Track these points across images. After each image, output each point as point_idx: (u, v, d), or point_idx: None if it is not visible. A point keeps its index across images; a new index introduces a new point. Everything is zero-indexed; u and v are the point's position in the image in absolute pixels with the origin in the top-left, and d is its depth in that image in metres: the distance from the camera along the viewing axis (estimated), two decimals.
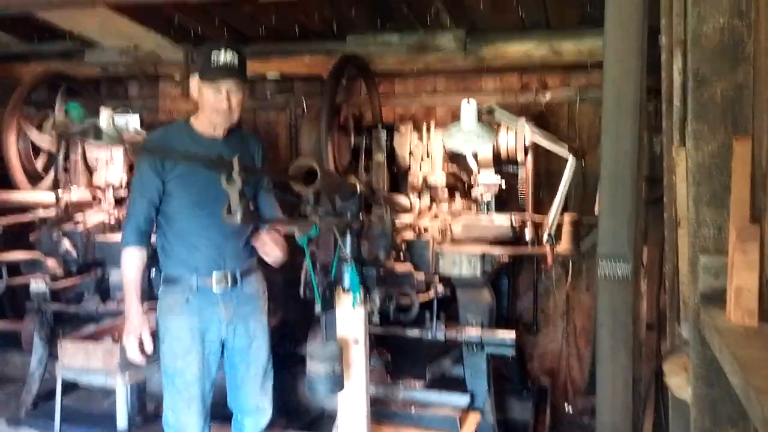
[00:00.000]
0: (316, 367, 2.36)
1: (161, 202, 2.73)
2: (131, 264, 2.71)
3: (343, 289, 2.56)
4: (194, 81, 2.70)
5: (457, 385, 3.49)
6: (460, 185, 4.01)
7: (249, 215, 1.88)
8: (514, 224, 3.48)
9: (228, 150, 2.59)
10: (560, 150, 3.36)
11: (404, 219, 3.48)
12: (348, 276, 2.53)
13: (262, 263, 2.97)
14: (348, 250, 2.54)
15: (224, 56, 2.61)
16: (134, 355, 2.73)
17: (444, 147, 3.83)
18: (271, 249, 2.92)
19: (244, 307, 2.82)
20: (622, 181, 1.52)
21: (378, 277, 2.63)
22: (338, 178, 2.43)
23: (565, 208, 3.53)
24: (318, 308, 2.45)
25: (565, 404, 4.62)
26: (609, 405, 1.60)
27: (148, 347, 2.74)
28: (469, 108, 3.29)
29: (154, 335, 2.82)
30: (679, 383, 1.74)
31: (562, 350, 4.66)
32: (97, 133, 3.25)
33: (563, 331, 4.64)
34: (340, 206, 2.62)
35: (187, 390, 2.74)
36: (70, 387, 3.79)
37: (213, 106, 2.67)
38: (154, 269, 2.84)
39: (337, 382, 2.40)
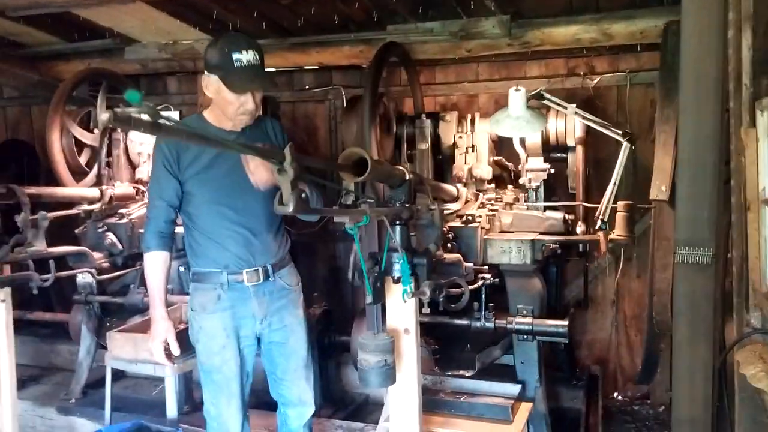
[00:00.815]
0: (368, 358, 2.31)
1: (182, 201, 2.64)
2: (154, 268, 2.63)
3: (393, 279, 2.51)
4: (211, 79, 2.51)
5: (506, 373, 3.43)
6: (506, 174, 3.93)
7: (301, 205, 1.84)
8: (567, 219, 3.39)
9: (250, 141, 2.51)
10: (613, 134, 3.25)
11: (451, 207, 3.42)
12: (399, 266, 2.47)
13: (301, 254, 2.90)
14: (398, 239, 2.48)
15: (247, 56, 2.43)
16: (161, 359, 2.68)
17: (489, 137, 3.76)
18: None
19: (278, 302, 2.75)
20: (703, 164, 1.44)
21: (428, 267, 2.56)
22: (387, 165, 2.37)
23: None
24: (369, 299, 2.39)
25: (615, 392, 4.54)
26: (687, 399, 1.53)
27: (175, 350, 2.66)
28: (517, 95, 3.21)
29: (183, 334, 2.78)
30: (756, 373, 1.65)
31: (612, 338, 4.57)
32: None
33: (613, 320, 4.54)
34: (389, 195, 2.58)
35: (227, 386, 2.70)
36: (118, 375, 3.85)
37: (238, 109, 2.53)
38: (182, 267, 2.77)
39: (390, 374, 2.35)
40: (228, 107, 2.54)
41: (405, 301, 2.40)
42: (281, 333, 2.78)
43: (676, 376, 1.57)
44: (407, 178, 2.51)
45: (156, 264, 2.63)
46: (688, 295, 1.50)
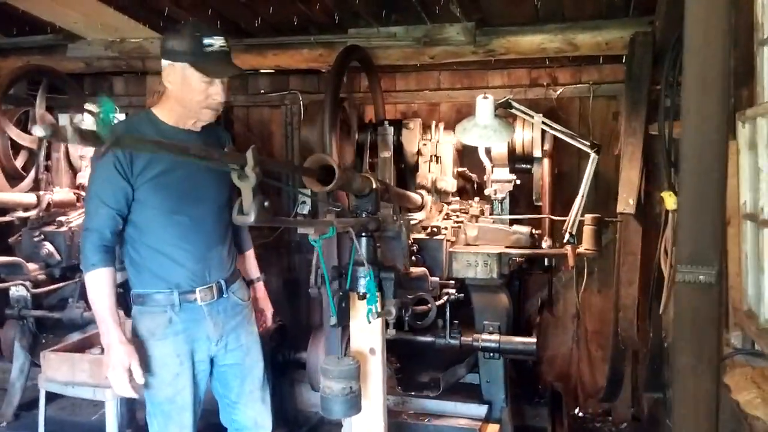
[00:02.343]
0: (332, 385, 2.13)
1: (130, 210, 2.32)
2: (101, 288, 2.26)
3: (358, 296, 2.35)
4: (175, 68, 2.27)
5: (468, 390, 3.31)
6: (469, 186, 3.83)
7: (264, 214, 1.65)
8: (533, 234, 3.30)
9: (205, 144, 2.31)
10: (581, 146, 3.18)
11: (416, 216, 3.28)
12: (365, 282, 2.31)
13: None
14: (364, 252, 2.33)
15: (218, 41, 2.25)
16: (126, 391, 2.27)
17: (454, 147, 3.65)
18: (265, 302, 2.82)
19: (233, 320, 2.53)
20: (707, 174, 1.34)
21: (395, 283, 2.41)
22: (354, 174, 2.21)
23: None
24: (333, 320, 2.21)
25: (576, 409, 4.48)
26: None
27: (139, 379, 2.28)
28: (485, 104, 3.10)
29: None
30: (752, 400, 1.55)
31: (573, 354, 4.51)
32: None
33: (574, 335, 4.49)
34: (354, 204, 2.42)
35: (179, 417, 2.41)
36: (54, 395, 3.57)
37: (204, 101, 2.30)
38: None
39: (355, 403, 2.17)
40: (193, 99, 2.30)
41: (370, 322, 2.23)
42: (237, 353, 2.56)
43: (678, 409, 1.45)
44: (374, 187, 2.36)
45: (102, 283, 2.26)
46: (691, 318, 1.40)
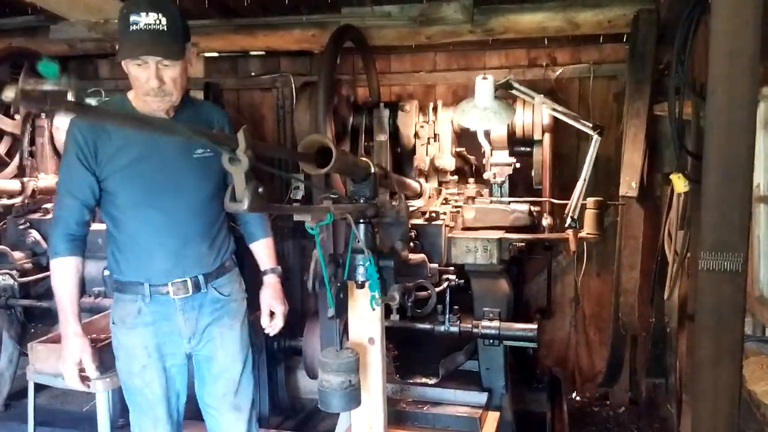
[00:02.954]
0: (330, 379, 2.05)
1: (102, 201, 2.22)
2: (63, 277, 2.19)
3: (357, 285, 2.26)
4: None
5: (468, 379, 3.24)
6: (467, 168, 3.74)
7: (258, 201, 1.55)
8: (532, 212, 3.23)
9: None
10: (583, 127, 3.09)
11: (414, 203, 3.20)
12: (364, 270, 2.22)
13: (247, 252, 2.58)
14: (363, 239, 2.24)
15: (146, 18, 1.99)
16: (74, 383, 2.24)
17: (452, 128, 3.55)
18: (275, 299, 2.53)
19: (210, 316, 2.37)
20: (736, 156, 1.26)
21: (395, 270, 2.33)
22: (352, 157, 2.11)
23: None
24: (330, 312, 2.12)
25: (573, 393, 4.44)
26: (709, 425, 1.35)
27: (91, 373, 2.25)
28: (485, 84, 3.00)
29: (103, 351, 2.41)
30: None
31: (570, 338, 4.46)
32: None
33: (571, 319, 4.44)
34: (352, 190, 2.33)
35: (151, 409, 2.33)
36: (45, 385, 3.50)
37: (141, 87, 2.10)
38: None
39: (354, 396, 2.09)
40: (134, 83, 2.12)
41: (374, 309, 2.15)
42: (210, 346, 2.39)
43: (697, 400, 1.39)
44: (372, 171, 2.27)
45: (65, 272, 2.19)
46: (714, 307, 1.33)
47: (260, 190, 1.51)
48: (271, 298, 2.55)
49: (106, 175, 2.17)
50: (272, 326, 2.57)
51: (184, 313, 2.31)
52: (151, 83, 2.07)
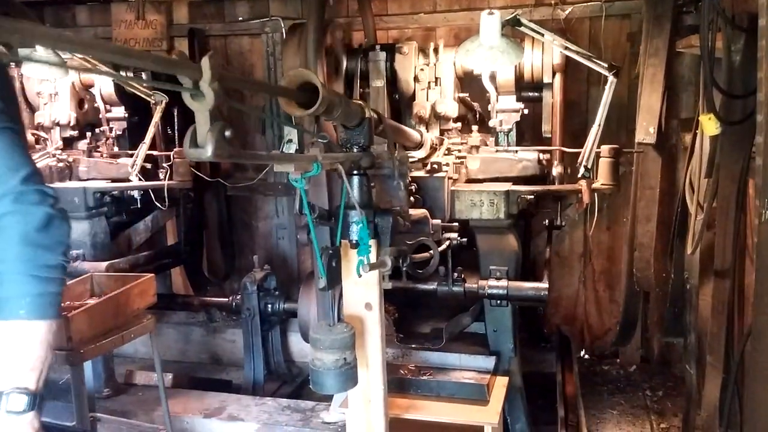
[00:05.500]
0: (323, 357, 1.83)
1: None
2: None
3: (351, 244, 2.03)
4: None
5: (474, 342, 3.04)
6: (471, 115, 3.46)
7: (223, 146, 1.27)
8: (541, 160, 2.97)
9: None
10: (598, 68, 2.82)
11: (414, 155, 2.94)
12: (357, 228, 1.99)
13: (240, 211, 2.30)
14: (356, 194, 2.00)
15: None
16: None
17: (455, 71, 3.26)
18: None
19: None
20: None
21: (392, 229, 2.08)
22: (343, 97, 1.85)
23: None
24: (321, 283, 1.90)
25: (582, 351, 4.26)
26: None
27: None
28: (491, 21, 2.70)
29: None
30: None
31: (579, 295, 4.26)
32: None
33: (580, 275, 4.22)
34: (344, 137, 2.07)
35: None
36: None
37: None
38: None
39: (350, 375, 1.88)
40: None
41: (360, 276, 1.91)
42: None
43: (754, 374, 1.17)
44: (367, 115, 2.01)
45: None
46: None
47: (227, 133, 1.25)
48: None
49: None
50: None
51: None
52: None
